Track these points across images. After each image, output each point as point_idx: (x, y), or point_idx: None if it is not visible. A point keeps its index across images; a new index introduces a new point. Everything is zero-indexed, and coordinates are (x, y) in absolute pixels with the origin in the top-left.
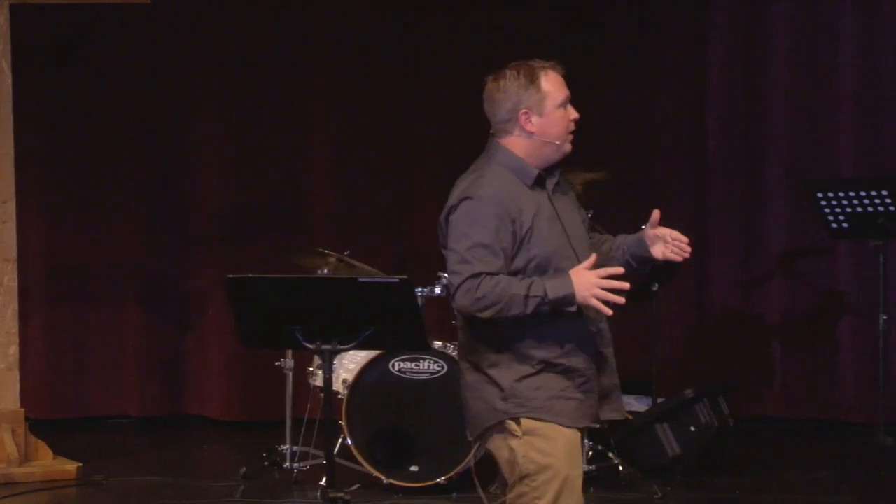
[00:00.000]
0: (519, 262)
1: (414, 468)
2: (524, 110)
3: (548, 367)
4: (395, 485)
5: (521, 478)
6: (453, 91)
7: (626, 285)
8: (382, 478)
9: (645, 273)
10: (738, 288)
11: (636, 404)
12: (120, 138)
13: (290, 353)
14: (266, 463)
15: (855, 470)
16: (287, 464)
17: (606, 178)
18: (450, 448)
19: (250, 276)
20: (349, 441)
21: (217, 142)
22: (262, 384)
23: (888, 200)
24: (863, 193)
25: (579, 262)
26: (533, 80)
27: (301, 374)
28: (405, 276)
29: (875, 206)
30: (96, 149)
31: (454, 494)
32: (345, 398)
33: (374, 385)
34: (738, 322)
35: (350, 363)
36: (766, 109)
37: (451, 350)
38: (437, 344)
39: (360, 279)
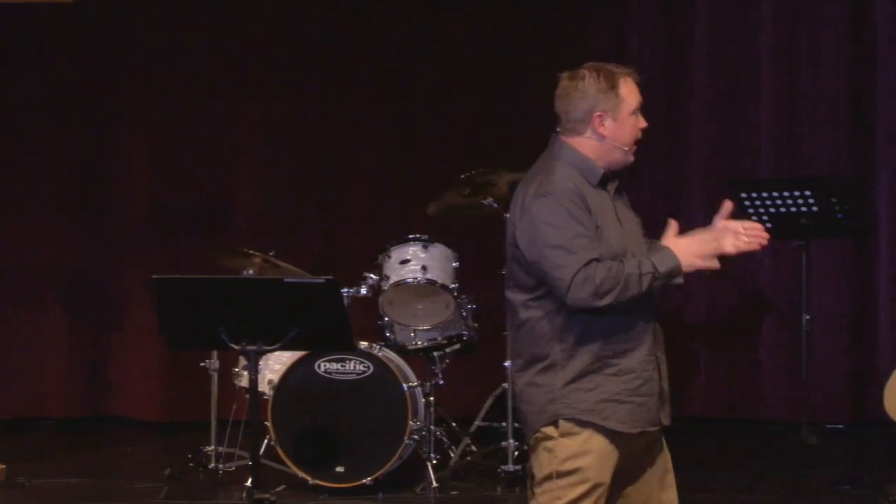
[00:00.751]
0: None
1: (340, 469)
2: (599, 113)
3: (603, 367)
4: (321, 485)
5: (546, 477)
6: (377, 94)
7: (765, 235)
8: (308, 478)
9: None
10: (663, 288)
11: None
12: (45, 138)
13: (215, 353)
14: (191, 464)
15: (778, 468)
16: (212, 465)
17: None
18: (375, 448)
19: (176, 276)
20: (275, 442)
21: (143, 142)
22: (188, 385)
23: (811, 201)
24: (786, 194)
25: None
26: (612, 84)
27: (226, 375)
28: (331, 277)
29: (798, 206)
30: (21, 149)
31: (380, 495)
32: (270, 399)
33: (299, 386)
34: (662, 321)
35: (276, 364)
36: (686, 110)
37: (377, 350)
38: (363, 344)
39: (286, 280)
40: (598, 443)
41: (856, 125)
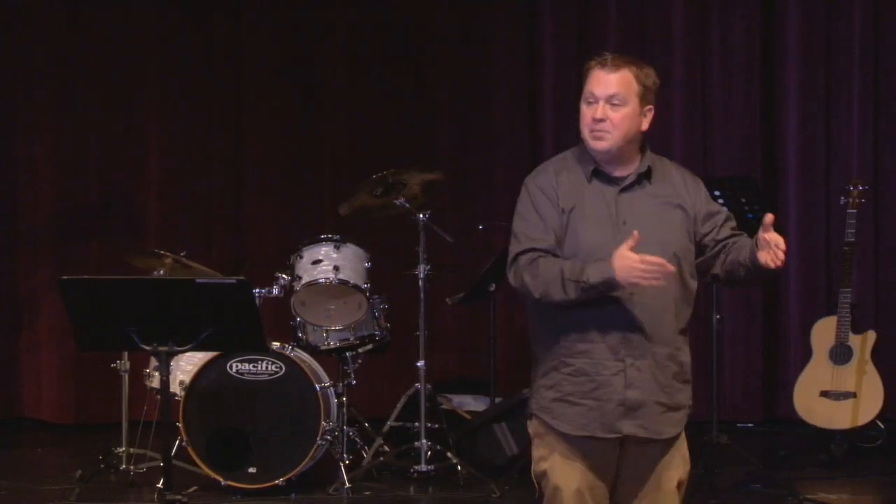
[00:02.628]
0: (567, 248)
1: (252, 469)
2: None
3: (561, 365)
4: (233, 486)
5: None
6: (287, 92)
7: (670, 268)
8: (220, 479)
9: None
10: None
11: (474, 404)
12: None
13: (125, 354)
14: (102, 466)
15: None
16: (123, 466)
17: (442, 178)
18: (288, 449)
19: (85, 277)
20: (186, 443)
21: (48, 141)
22: (98, 386)
23: (721, 201)
24: None
25: None
26: (585, 75)
27: (137, 376)
28: (242, 278)
29: None
30: None
31: (293, 495)
32: (182, 399)
33: (211, 386)
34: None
35: (187, 364)
36: None
37: (290, 351)
38: (276, 345)
39: (198, 280)
40: (559, 445)
41: (765, 125)
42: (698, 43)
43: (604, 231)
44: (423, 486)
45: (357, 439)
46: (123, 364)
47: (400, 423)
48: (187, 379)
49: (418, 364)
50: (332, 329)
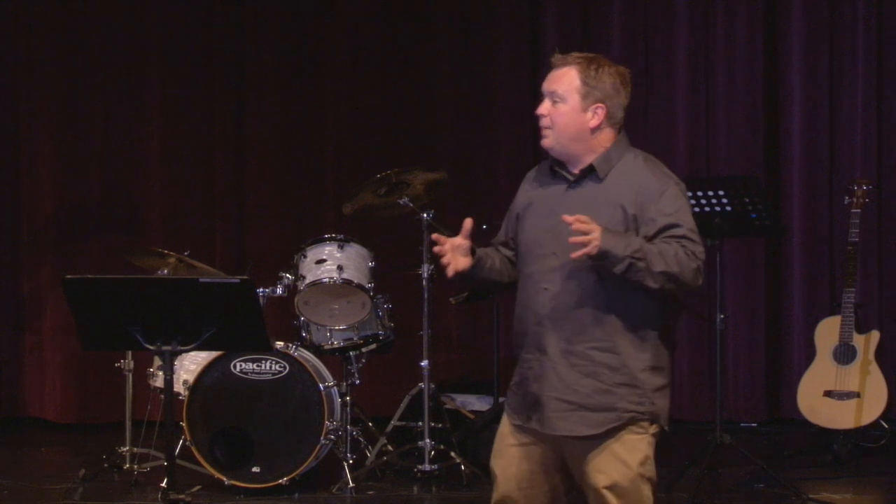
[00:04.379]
0: (517, 244)
1: (255, 469)
2: None
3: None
4: (237, 486)
5: None
6: (290, 92)
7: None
8: (224, 479)
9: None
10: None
11: (478, 403)
12: None
13: (129, 354)
14: (106, 465)
15: (692, 468)
16: (127, 466)
17: (446, 177)
18: (291, 449)
19: (89, 276)
20: (190, 442)
21: (50, 140)
22: (102, 386)
23: (725, 200)
24: (699, 194)
25: (556, 257)
26: None
27: (141, 376)
28: (246, 277)
29: (712, 206)
30: None
31: (296, 495)
32: (185, 399)
33: (215, 386)
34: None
35: (191, 364)
36: None
37: (293, 350)
38: (279, 344)
39: (201, 280)
40: (503, 427)
41: (769, 126)
42: (702, 43)
43: (541, 226)
44: (427, 485)
45: (361, 439)
46: (127, 363)
47: (403, 423)
48: (191, 378)
49: (422, 363)
50: (335, 328)
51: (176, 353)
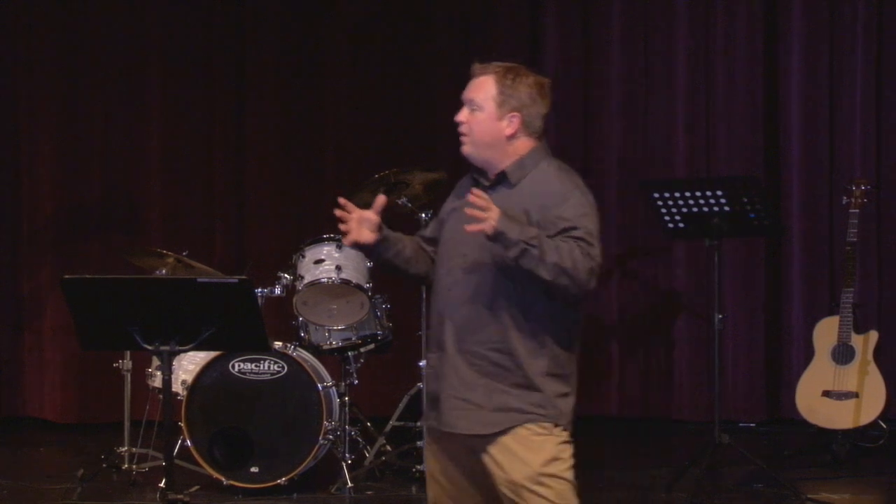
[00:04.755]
0: None
1: (254, 469)
2: None
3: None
4: (235, 486)
5: None
6: (289, 91)
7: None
8: (222, 479)
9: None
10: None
11: None
12: None
13: (128, 354)
14: (104, 465)
15: (691, 468)
16: (126, 466)
17: (445, 178)
18: (290, 449)
19: (87, 276)
20: (189, 442)
21: (49, 140)
22: (101, 386)
23: (723, 200)
24: (698, 194)
25: (463, 258)
26: None
27: (140, 376)
28: (244, 277)
29: (710, 206)
30: None
31: (295, 495)
32: (184, 399)
33: (213, 386)
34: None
35: (189, 364)
36: (600, 108)
37: (292, 351)
38: (278, 344)
39: (199, 280)
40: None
41: (769, 126)
42: (702, 43)
43: (456, 230)
44: (425, 485)
45: (359, 439)
46: (126, 363)
47: (402, 423)
48: (189, 378)
49: (420, 364)
50: (334, 329)
51: (174, 354)
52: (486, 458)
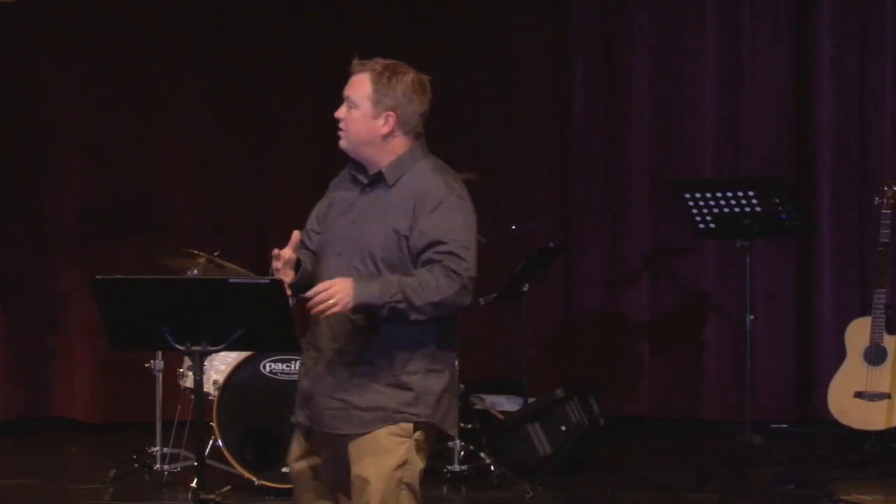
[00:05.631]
0: None
1: (285, 469)
2: None
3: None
4: (267, 486)
5: None
6: (319, 91)
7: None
8: (254, 479)
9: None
10: (606, 288)
11: (507, 404)
12: None
13: (159, 354)
14: (136, 465)
15: (722, 468)
16: (157, 466)
17: (474, 178)
18: None
19: (118, 277)
20: (220, 442)
21: (78, 141)
22: (132, 386)
23: (755, 201)
24: (729, 194)
25: (339, 257)
26: None
27: (171, 376)
28: (276, 278)
29: (742, 206)
30: None
31: None
32: (215, 399)
33: (244, 386)
34: (605, 322)
35: (221, 364)
36: (629, 110)
37: None
38: None
39: (231, 280)
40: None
41: (798, 125)
42: (732, 44)
43: (334, 228)
44: (457, 485)
45: None
46: (157, 364)
47: None
48: (221, 379)
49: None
50: None
51: (205, 354)
52: (350, 457)
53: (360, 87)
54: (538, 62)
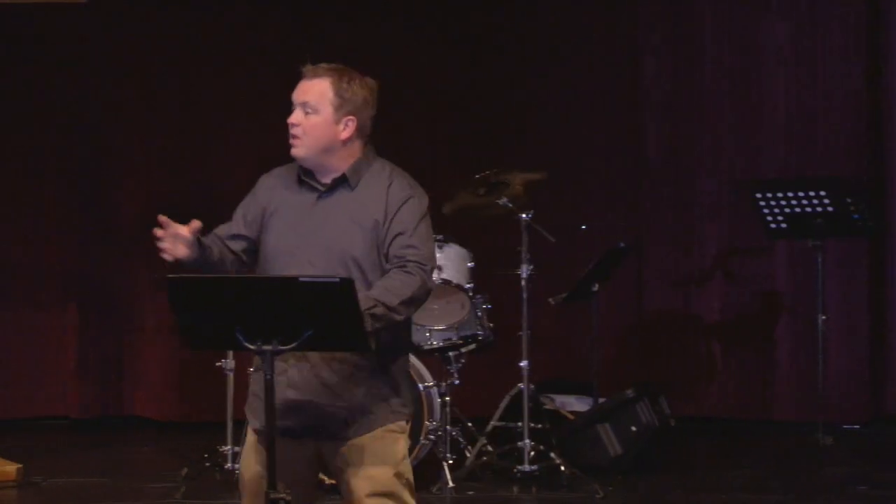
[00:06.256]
0: (262, 249)
1: None
2: None
3: (259, 364)
4: (337, 485)
5: None
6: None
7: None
8: (324, 479)
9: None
10: (677, 288)
11: (577, 404)
12: (53, 137)
13: (230, 353)
14: (207, 464)
15: (793, 469)
16: (228, 465)
17: (545, 178)
18: None
19: (191, 276)
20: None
21: (151, 141)
22: (203, 385)
23: (826, 201)
24: (801, 194)
25: (311, 265)
26: None
27: (242, 375)
28: (346, 276)
29: (813, 206)
30: (29, 148)
31: None
32: None
33: None
34: (676, 322)
35: None
36: (702, 109)
37: None
38: None
39: (301, 278)
40: (250, 437)
41: (871, 125)
42: (803, 42)
43: (292, 236)
44: (527, 486)
45: (460, 439)
46: (228, 363)
47: (503, 423)
48: None
49: (521, 364)
50: (435, 329)
51: (276, 353)
52: (343, 460)
53: (320, 91)
54: (609, 62)
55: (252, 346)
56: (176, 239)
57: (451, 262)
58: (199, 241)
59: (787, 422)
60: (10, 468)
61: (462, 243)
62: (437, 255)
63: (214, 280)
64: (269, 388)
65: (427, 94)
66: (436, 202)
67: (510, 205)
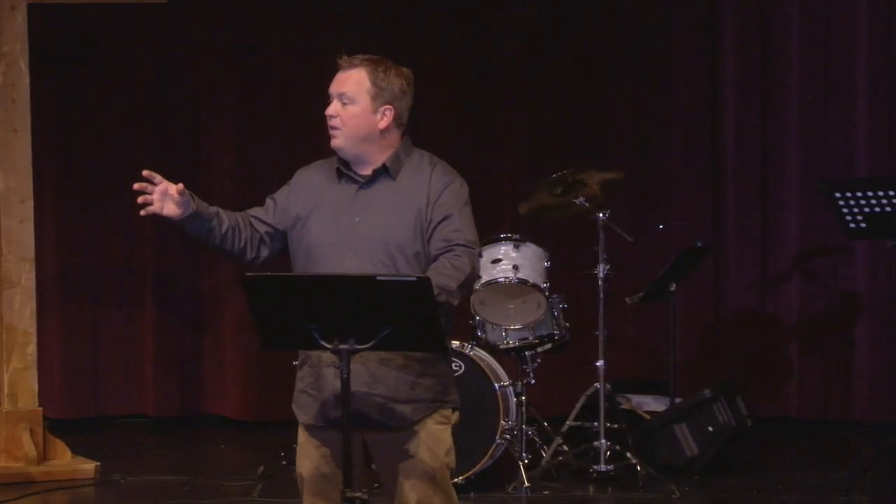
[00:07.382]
0: (292, 246)
1: None
2: None
3: (305, 358)
4: None
5: None
6: (464, 92)
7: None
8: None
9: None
10: (755, 288)
11: (654, 404)
12: (132, 138)
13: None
14: (284, 462)
15: (871, 470)
16: None
17: (622, 177)
18: (467, 448)
19: (269, 274)
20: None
21: (229, 143)
22: (279, 383)
23: None
24: (881, 193)
25: (354, 256)
26: None
27: None
28: (423, 275)
29: (893, 205)
30: (108, 148)
31: (472, 494)
32: None
33: None
34: (754, 322)
35: None
36: (781, 108)
37: (469, 350)
38: (455, 344)
39: (379, 277)
40: (301, 433)
41: None
42: (883, 44)
43: (334, 229)
44: (602, 485)
45: (536, 438)
46: None
47: (579, 423)
48: None
49: (597, 363)
50: (511, 328)
51: (353, 352)
52: (389, 450)
53: (356, 82)
54: (691, 61)
55: (328, 345)
56: (165, 196)
57: (527, 262)
58: (194, 204)
59: (867, 422)
60: (88, 466)
61: (539, 243)
62: (514, 254)
63: (291, 278)
64: (346, 386)
65: (502, 95)
66: (512, 201)
67: (587, 204)
